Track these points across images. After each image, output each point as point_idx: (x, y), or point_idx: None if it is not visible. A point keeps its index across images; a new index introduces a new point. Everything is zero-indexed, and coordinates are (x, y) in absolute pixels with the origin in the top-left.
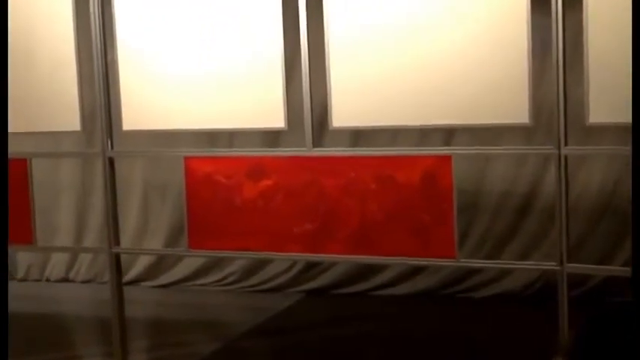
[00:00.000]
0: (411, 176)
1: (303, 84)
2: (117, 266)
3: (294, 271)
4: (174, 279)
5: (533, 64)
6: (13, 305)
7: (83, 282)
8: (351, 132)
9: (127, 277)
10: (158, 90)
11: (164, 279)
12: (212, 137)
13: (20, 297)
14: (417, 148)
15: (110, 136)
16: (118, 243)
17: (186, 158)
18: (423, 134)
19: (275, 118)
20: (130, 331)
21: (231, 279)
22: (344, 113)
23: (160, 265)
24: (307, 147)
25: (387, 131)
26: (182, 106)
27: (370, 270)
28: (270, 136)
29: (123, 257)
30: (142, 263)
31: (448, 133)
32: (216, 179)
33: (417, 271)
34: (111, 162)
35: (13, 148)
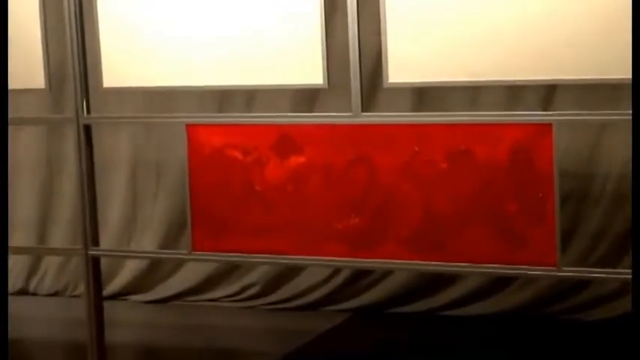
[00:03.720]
0: (496, 152)
1: (349, 25)
2: (95, 274)
3: (335, 282)
4: (173, 292)
5: None
6: None
7: (48, 295)
8: (412, 91)
9: (108, 289)
10: (152, 35)
11: (159, 292)
12: (224, 99)
13: None
14: (504, 113)
15: (86, 96)
16: (96, 243)
17: (189, 126)
18: (513, 95)
19: (310, 72)
20: None
21: (249, 293)
22: (403, 65)
23: (153, 272)
24: (354, 111)
25: (463, 90)
26: (184, 57)
27: (438, 281)
28: (304, 97)
29: (103, 262)
30: (128, 270)
31: (546, 94)
32: (230, 155)
33: (502, 283)
34: (87, 131)
35: None
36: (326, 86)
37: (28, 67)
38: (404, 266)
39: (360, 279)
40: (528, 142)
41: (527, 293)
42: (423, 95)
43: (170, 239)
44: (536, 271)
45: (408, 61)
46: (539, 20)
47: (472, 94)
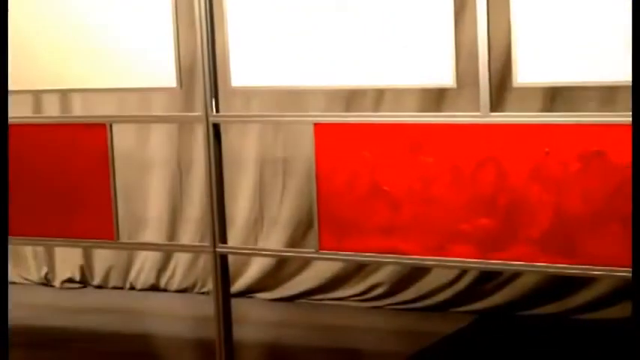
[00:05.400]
0: (630, 153)
1: (478, 25)
2: (223, 271)
3: (463, 283)
4: (299, 290)
5: None
6: (87, 319)
7: (178, 291)
8: (544, 91)
9: (235, 287)
10: (278, 36)
11: (285, 290)
12: (351, 99)
13: (96, 309)
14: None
15: (215, 95)
16: (224, 240)
17: (317, 125)
18: None
19: (439, 72)
20: (238, 358)
21: (376, 292)
22: (534, 65)
23: (280, 270)
24: (482, 111)
25: (597, 90)
26: (310, 56)
27: (569, 284)
28: (432, 97)
29: (231, 260)
30: (255, 268)
31: None
32: (357, 154)
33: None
34: (216, 129)
35: (89, 110)
36: (454, 86)
37: (159, 66)
38: (533, 268)
39: (487, 280)
40: None
41: None
42: (555, 95)
43: (297, 237)
44: None
45: (539, 60)
46: None
47: (607, 94)
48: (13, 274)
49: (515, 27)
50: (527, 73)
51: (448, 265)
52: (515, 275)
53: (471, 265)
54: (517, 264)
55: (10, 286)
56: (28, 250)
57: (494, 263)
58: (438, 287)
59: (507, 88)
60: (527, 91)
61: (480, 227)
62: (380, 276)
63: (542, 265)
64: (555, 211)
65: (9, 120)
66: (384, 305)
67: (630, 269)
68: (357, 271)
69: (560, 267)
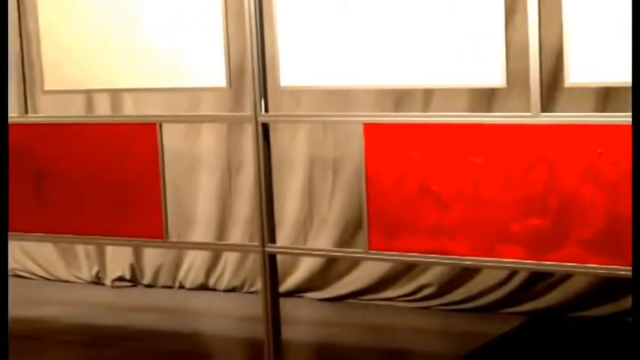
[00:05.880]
0: None
1: (529, 25)
2: (272, 271)
3: (513, 284)
4: (348, 290)
5: None
6: (136, 318)
7: (227, 290)
8: (596, 91)
9: (284, 286)
10: (328, 36)
11: (334, 290)
12: (400, 99)
13: (146, 307)
14: None
15: (264, 94)
16: (273, 240)
17: (367, 125)
18: None
19: (488, 71)
20: (287, 357)
21: (425, 293)
22: (586, 64)
23: (329, 270)
24: (533, 112)
25: None
26: (360, 55)
27: (622, 286)
28: (481, 97)
29: (280, 259)
30: (304, 268)
31: None
32: (407, 154)
33: None
34: (265, 129)
35: (139, 110)
36: (504, 86)
37: (209, 66)
38: (584, 270)
39: (538, 281)
40: None
41: None
42: (608, 95)
43: (346, 237)
44: None
45: (591, 59)
46: None
47: None
48: (65, 273)
49: (567, 27)
50: (579, 73)
51: (498, 266)
52: (567, 276)
53: (521, 265)
54: (568, 265)
55: (62, 285)
56: (80, 249)
57: (545, 264)
58: (488, 288)
59: (559, 88)
60: (579, 91)
61: (530, 228)
62: (429, 276)
63: (594, 267)
64: (607, 212)
65: (61, 119)
66: (433, 306)
67: None
68: (406, 271)
69: (612, 268)
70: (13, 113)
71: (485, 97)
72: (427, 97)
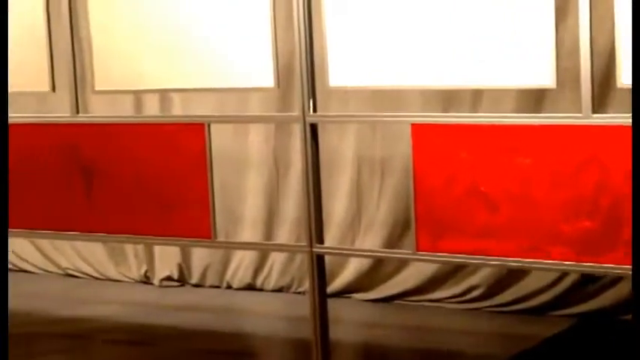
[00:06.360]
0: None
1: (580, 25)
2: (319, 271)
3: (562, 286)
4: (396, 291)
5: None
6: (184, 317)
7: (274, 291)
8: None
9: (332, 287)
10: (375, 36)
11: (382, 291)
12: (448, 99)
13: (193, 307)
14: None
15: (313, 95)
16: (321, 240)
17: (415, 126)
18: None
19: (538, 72)
20: (334, 358)
21: (473, 294)
22: None
23: (376, 271)
24: (584, 113)
25: None
26: (408, 56)
27: None
28: (531, 98)
29: (328, 259)
30: (352, 268)
31: None
32: (455, 155)
33: None
34: (313, 129)
35: (187, 110)
36: (554, 86)
37: (257, 66)
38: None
39: (588, 283)
40: None
41: None
42: None
43: (394, 238)
44: None
45: None
46: None
47: None
48: (114, 272)
49: (619, 26)
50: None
51: (547, 268)
52: (618, 278)
53: (571, 267)
54: (618, 267)
55: (111, 284)
56: (129, 249)
57: (594, 266)
58: (537, 290)
59: (611, 88)
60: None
61: (580, 229)
62: (477, 278)
63: None
64: None
65: (111, 119)
66: (482, 307)
67: None
68: (454, 272)
69: None
70: (65, 113)
71: (535, 98)
72: (476, 97)
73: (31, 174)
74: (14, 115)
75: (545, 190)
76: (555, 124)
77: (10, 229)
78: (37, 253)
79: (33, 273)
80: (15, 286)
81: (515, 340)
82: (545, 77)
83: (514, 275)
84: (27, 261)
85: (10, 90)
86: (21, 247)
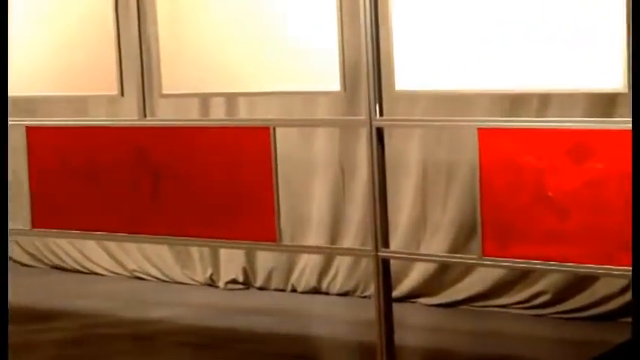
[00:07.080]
0: None
1: None
2: (385, 275)
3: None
4: (462, 296)
5: None
6: (249, 320)
7: (339, 294)
8: None
9: (397, 291)
10: (442, 39)
11: (448, 296)
12: (516, 103)
13: (258, 310)
14: None
15: (379, 98)
16: (386, 244)
17: (481, 130)
18: None
19: (608, 76)
20: None
21: (540, 300)
22: None
23: (442, 276)
24: None
25: None
26: (475, 59)
27: None
28: (601, 102)
29: (393, 264)
30: (418, 273)
31: None
32: (522, 160)
33: None
34: (379, 133)
35: (253, 113)
36: (626, 90)
37: (323, 70)
38: None
39: None
40: None
41: None
42: None
43: (459, 243)
44: None
45: None
46: None
47: None
48: (180, 275)
49: None
50: None
51: (617, 275)
52: None
53: None
54: None
55: (177, 286)
56: (195, 252)
57: None
58: (607, 296)
59: None
60: None
61: None
62: (544, 283)
63: None
64: None
65: (177, 122)
66: (549, 313)
67: None
68: (520, 278)
69: None
70: (133, 116)
71: (606, 102)
72: (544, 100)
73: (100, 177)
74: (83, 119)
75: (616, 196)
76: (625, 129)
77: (79, 232)
78: (105, 256)
79: (101, 275)
80: (84, 288)
81: (584, 347)
82: (616, 81)
83: (582, 281)
84: (96, 263)
85: (81, 93)
86: (90, 250)
